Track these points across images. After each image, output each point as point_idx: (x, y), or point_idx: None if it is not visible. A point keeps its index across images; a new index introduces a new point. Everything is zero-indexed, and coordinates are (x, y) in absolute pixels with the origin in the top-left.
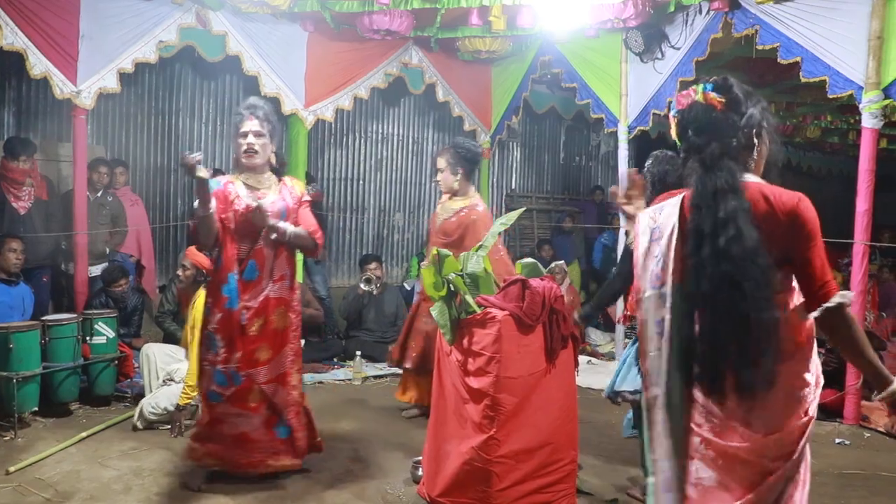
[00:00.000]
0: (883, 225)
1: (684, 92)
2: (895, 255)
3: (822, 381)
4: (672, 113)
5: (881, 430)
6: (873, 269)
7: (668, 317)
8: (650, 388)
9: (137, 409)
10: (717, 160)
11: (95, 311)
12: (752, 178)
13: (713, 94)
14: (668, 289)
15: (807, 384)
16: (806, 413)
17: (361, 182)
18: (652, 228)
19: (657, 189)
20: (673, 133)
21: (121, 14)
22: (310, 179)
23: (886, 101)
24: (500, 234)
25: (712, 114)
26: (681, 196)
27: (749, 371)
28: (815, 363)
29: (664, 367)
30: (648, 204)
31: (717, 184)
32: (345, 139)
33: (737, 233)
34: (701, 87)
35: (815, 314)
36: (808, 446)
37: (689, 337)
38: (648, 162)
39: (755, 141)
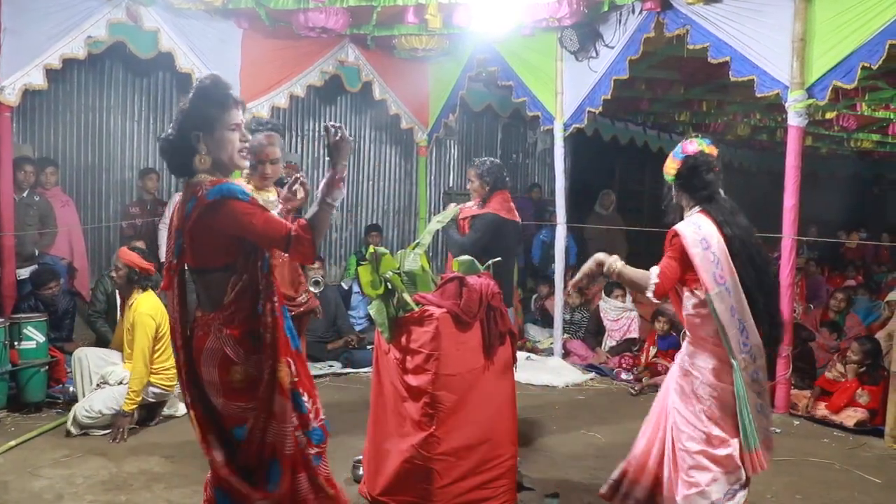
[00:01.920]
0: (810, 220)
1: (688, 141)
2: (822, 249)
3: None
4: (680, 156)
5: (802, 413)
6: (801, 262)
7: (734, 304)
8: (738, 354)
9: (71, 415)
10: (718, 191)
11: (24, 315)
12: None
13: (713, 147)
14: (730, 283)
15: None
16: None
17: None
18: (700, 239)
19: (492, 188)
20: (673, 169)
21: (46, 8)
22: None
23: (810, 101)
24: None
25: (713, 160)
26: (704, 214)
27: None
28: None
29: (753, 339)
30: (489, 197)
31: (728, 207)
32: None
33: (759, 244)
34: (702, 140)
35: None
36: None
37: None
38: (484, 167)
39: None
